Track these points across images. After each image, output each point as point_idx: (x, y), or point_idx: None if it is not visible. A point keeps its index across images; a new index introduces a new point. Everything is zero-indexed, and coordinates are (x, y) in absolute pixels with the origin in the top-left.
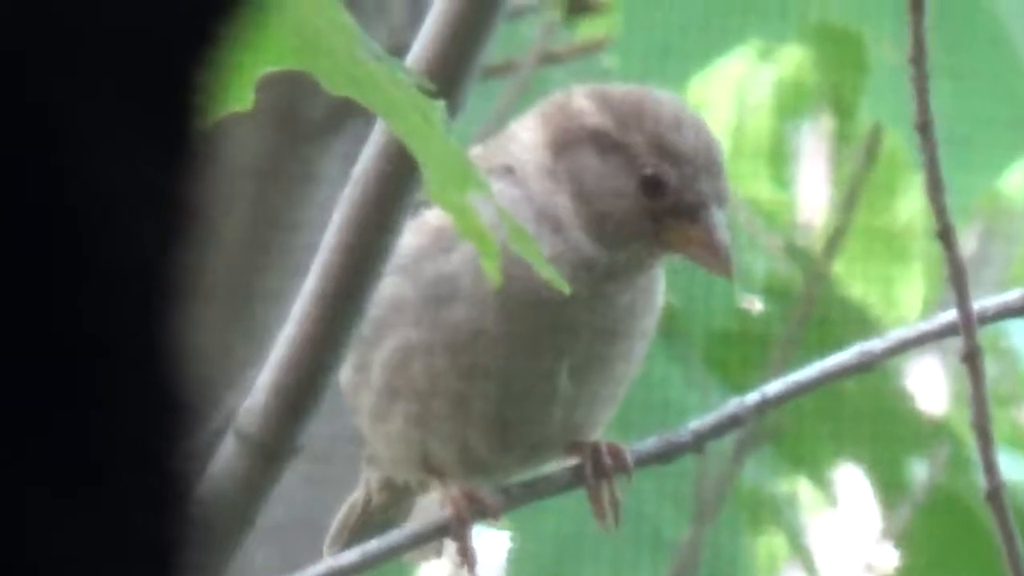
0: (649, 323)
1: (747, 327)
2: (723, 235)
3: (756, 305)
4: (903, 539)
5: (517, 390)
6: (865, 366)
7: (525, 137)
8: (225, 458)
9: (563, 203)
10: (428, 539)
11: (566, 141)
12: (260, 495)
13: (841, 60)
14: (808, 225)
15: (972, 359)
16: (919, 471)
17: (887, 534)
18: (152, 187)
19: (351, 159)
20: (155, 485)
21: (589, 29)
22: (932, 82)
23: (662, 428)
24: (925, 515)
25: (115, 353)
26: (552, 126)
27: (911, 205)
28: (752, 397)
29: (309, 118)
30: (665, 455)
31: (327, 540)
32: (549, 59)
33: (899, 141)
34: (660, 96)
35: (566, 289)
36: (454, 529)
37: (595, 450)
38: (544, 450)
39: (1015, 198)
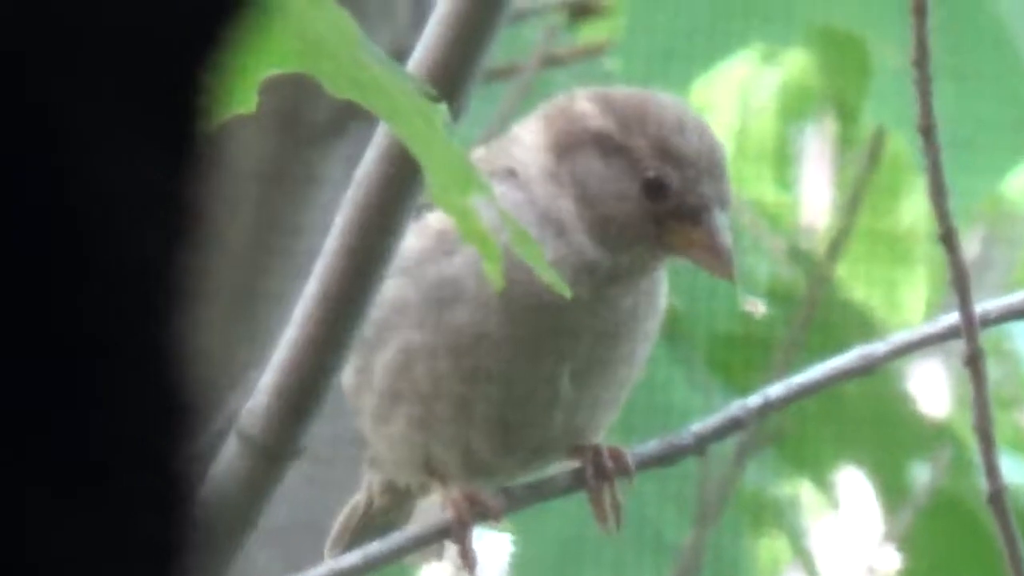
0: (652, 326)
1: (750, 330)
2: (726, 238)
3: (759, 308)
4: (905, 542)
5: (519, 393)
6: (867, 369)
7: (527, 140)
8: (227, 459)
9: (565, 206)
10: (429, 541)
11: (569, 144)
12: (262, 496)
13: (844, 63)
14: (811, 228)
15: (974, 362)
16: (921, 474)
17: (889, 537)
18: (155, 189)
19: (354, 162)
20: (157, 486)
21: (592, 32)
22: (935, 85)
23: (664, 430)
24: (927, 518)
25: (117, 354)
26: (555, 129)
27: (914, 208)
28: (754, 400)
29: (312, 121)
30: (667, 457)
31: (328, 542)
32: (552, 62)
33: (902, 144)
34: (663, 99)
35: (568, 293)
36: (455, 531)
37: (596, 453)
38: (546, 453)
39: (1018, 201)
